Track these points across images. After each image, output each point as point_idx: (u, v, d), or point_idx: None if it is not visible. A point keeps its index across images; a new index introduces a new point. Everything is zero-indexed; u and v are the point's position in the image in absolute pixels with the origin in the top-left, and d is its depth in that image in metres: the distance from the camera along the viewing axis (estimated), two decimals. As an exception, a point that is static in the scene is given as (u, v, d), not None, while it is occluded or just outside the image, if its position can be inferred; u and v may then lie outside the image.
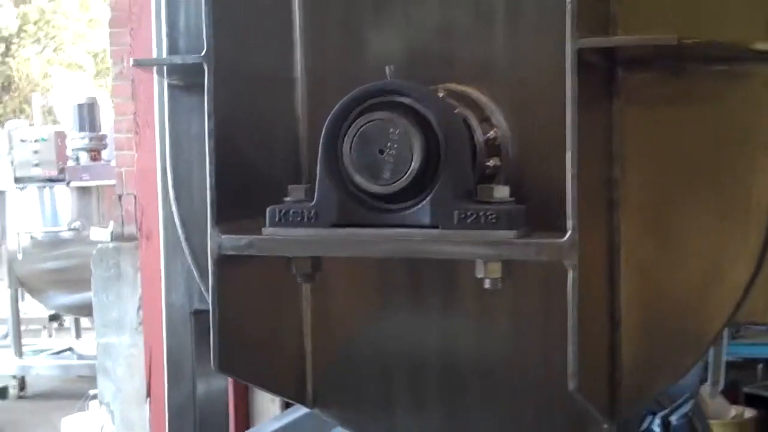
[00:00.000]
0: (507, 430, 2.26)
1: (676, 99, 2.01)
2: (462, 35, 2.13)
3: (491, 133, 2.05)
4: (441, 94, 2.03)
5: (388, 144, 1.83)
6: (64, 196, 10.12)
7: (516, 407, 2.22)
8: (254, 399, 5.49)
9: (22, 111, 23.72)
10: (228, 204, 2.04)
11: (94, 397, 7.10)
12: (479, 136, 2.01)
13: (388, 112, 1.84)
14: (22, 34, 26.01)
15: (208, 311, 2.05)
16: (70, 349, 10.98)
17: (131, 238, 6.31)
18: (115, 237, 6.63)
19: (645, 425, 4.77)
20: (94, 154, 10.42)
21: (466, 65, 2.13)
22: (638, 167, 2.03)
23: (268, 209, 1.97)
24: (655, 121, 2.03)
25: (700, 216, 2.02)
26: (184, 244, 2.43)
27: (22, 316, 10.91)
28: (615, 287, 2.06)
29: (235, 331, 2.08)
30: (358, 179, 1.87)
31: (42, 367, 10.52)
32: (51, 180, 10.06)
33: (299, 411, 3.50)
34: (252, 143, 2.16)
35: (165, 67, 2.35)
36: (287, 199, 1.99)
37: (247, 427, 5.45)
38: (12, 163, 10.09)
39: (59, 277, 10.04)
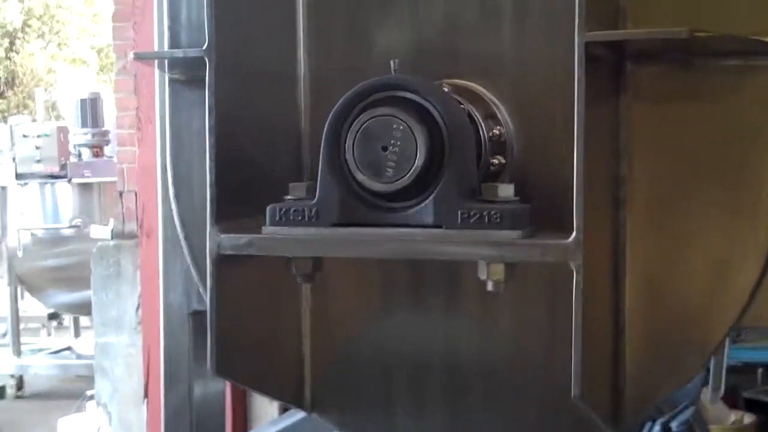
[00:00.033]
0: (509, 435, 2.23)
1: (685, 94, 1.99)
2: (467, 30, 2.11)
3: (496, 130, 2.03)
4: (446, 90, 2.00)
5: (392, 141, 1.81)
6: (65, 192, 10.09)
7: (517, 412, 2.20)
8: (252, 402, 5.46)
9: (25, 106, 23.75)
10: (228, 202, 2.01)
11: (92, 397, 7.07)
12: (484, 132, 1.98)
13: (392, 107, 1.81)
14: (27, 29, 26.06)
15: (206, 312, 2.02)
16: (68, 348, 10.94)
17: (132, 236, 6.28)
18: (116, 235, 6.62)
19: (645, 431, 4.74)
20: (97, 150, 10.38)
21: (471, 61, 2.11)
22: (645, 164, 2.01)
23: (268, 208, 1.95)
24: (663, 116, 2.00)
25: (708, 215, 1.99)
26: (183, 243, 2.40)
27: (21, 314, 10.88)
28: (619, 289, 2.03)
29: (233, 334, 2.06)
30: (361, 177, 1.85)
31: (40, 366, 10.46)
32: (52, 176, 10.03)
33: (297, 414, 3.47)
34: (253, 139, 2.13)
35: (166, 61, 2.33)
36: (288, 197, 1.97)
37: (245, 431, 5.41)
38: (14, 158, 10.07)
39: (59, 275, 10.01)
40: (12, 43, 25.91)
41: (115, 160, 7.35)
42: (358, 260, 2.11)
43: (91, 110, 10.38)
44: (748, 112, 1.96)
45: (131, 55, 2.34)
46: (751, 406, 6.46)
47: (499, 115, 2.07)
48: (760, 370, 7.04)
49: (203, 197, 2.01)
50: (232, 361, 2.06)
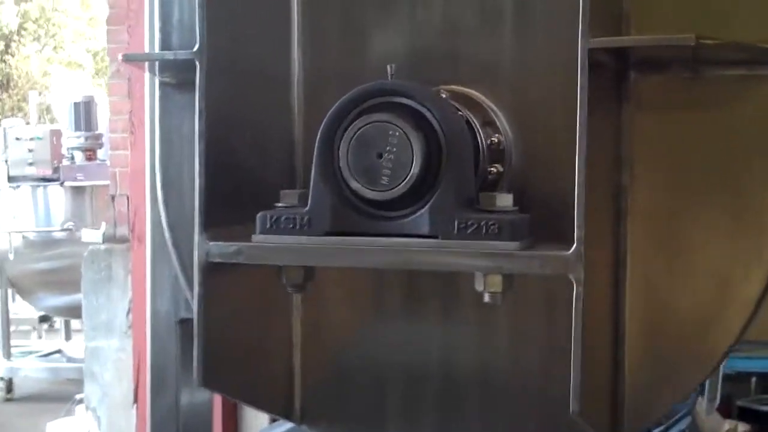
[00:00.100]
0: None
1: (688, 103, 1.97)
2: (466, 35, 2.09)
3: (494, 138, 2.00)
4: (443, 96, 1.96)
5: (387, 148, 1.78)
6: (57, 195, 10.08)
7: (514, 428, 2.16)
8: (243, 415, 5.41)
9: (20, 109, 23.75)
10: (218, 208, 1.98)
11: (81, 401, 7.03)
12: (482, 140, 1.94)
13: (388, 113, 1.77)
14: (22, 32, 26.07)
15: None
16: (59, 351, 10.92)
17: (123, 240, 6.28)
18: (107, 238, 6.60)
19: (640, 443, 4.71)
20: (90, 153, 10.38)
21: (470, 66, 2.08)
22: (647, 174, 1.98)
23: (258, 215, 1.92)
24: (666, 126, 1.98)
25: (711, 227, 1.96)
26: (171, 250, 2.36)
27: (12, 316, 10.87)
28: (620, 301, 2.01)
29: (221, 344, 2.03)
30: (355, 185, 1.81)
31: (30, 369, 10.47)
32: (45, 179, 10.03)
33: (287, 424, 3.42)
34: (245, 144, 2.11)
35: (157, 64, 2.28)
36: (279, 204, 1.94)
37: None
38: (6, 161, 10.06)
39: (50, 278, 10.02)
40: (7, 46, 25.92)
41: (108, 163, 7.33)
42: (351, 270, 2.08)
43: (84, 113, 10.37)
44: (752, 123, 1.94)
45: (121, 57, 2.29)
46: (744, 414, 6.47)
47: (497, 123, 2.04)
48: (753, 379, 7.06)
49: (193, 203, 1.98)
50: (219, 372, 2.03)
